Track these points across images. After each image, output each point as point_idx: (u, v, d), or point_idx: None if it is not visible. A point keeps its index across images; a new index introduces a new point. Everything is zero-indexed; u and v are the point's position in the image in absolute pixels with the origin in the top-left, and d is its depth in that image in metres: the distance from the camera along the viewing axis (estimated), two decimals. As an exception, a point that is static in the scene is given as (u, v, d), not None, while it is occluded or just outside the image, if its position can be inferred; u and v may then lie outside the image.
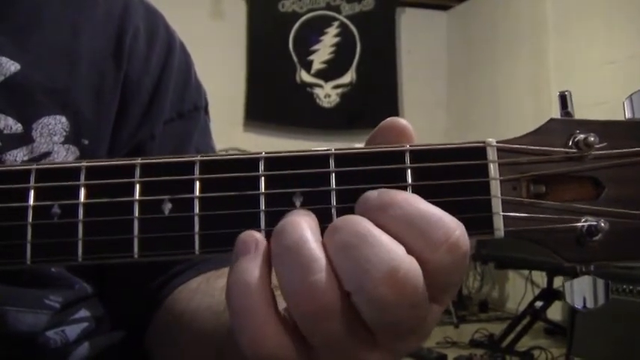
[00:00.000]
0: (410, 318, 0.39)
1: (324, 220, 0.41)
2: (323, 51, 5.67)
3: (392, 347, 0.41)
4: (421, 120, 5.48)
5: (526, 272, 4.61)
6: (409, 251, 0.38)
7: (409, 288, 0.38)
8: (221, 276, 0.70)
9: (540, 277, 4.36)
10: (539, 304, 3.92)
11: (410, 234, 0.39)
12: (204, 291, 0.69)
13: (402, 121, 0.44)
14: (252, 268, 0.40)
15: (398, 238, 0.39)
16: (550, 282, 3.95)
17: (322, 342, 0.39)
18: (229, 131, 5.12)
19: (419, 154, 0.42)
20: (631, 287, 2.85)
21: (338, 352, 0.40)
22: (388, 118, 0.44)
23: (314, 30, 5.66)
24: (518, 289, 4.71)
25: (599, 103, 3.34)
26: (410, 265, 0.38)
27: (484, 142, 0.43)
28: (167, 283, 0.73)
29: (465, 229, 0.39)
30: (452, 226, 0.39)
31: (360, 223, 0.39)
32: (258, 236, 0.41)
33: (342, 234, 0.39)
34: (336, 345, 0.39)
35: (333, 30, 5.71)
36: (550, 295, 3.91)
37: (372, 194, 0.41)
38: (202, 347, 0.64)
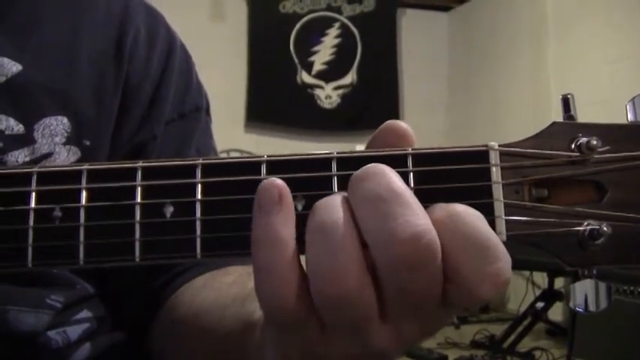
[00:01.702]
0: (421, 289, 0.39)
1: None
2: (324, 52, 5.67)
3: (400, 324, 0.41)
4: (422, 121, 5.49)
5: (527, 273, 4.60)
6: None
7: (429, 257, 0.38)
8: (227, 274, 0.70)
9: (541, 278, 4.35)
10: (540, 304, 3.91)
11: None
12: (211, 286, 0.69)
13: (402, 124, 0.44)
14: (277, 225, 0.40)
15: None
16: (551, 283, 3.95)
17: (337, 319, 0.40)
18: (230, 132, 5.12)
19: (421, 158, 0.42)
20: (632, 288, 2.85)
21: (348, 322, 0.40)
22: (388, 121, 0.44)
23: (315, 31, 5.66)
24: (520, 290, 4.71)
25: (598, 101, 3.34)
26: (433, 236, 0.38)
27: (486, 146, 0.43)
28: (170, 282, 0.73)
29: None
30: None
31: (395, 180, 0.39)
32: (281, 185, 0.40)
33: (372, 184, 0.39)
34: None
35: (334, 31, 5.71)
36: (551, 296, 3.90)
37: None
38: (208, 341, 0.63)
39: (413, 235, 0.37)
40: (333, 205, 0.39)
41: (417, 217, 0.38)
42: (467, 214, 0.39)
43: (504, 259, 0.39)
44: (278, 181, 0.40)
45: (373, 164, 0.40)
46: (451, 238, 0.39)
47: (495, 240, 0.39)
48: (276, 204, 0.40)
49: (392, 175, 0.39)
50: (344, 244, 0.38)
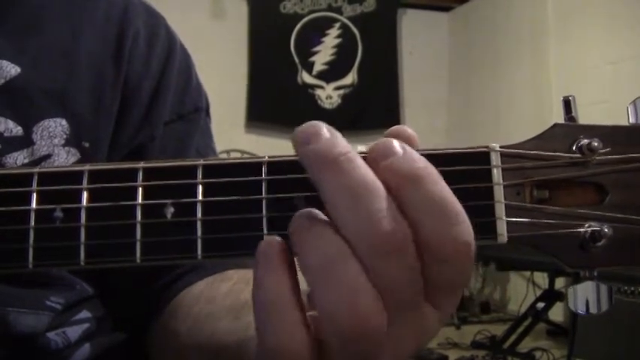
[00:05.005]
0: (400, 277, 0.38)
1: None
2: (324, 52, 5.67)
3: (393, 332, 0.39)
4: (422, 121, 5.49)
5: (527, 273, 4.61)
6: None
7: (403, 245, 0.37)
8: (225, 280, 0.70)
9: (542, 279, 4.36)
10: (540, 305, 3.92)
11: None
12: (207, 297, 0.69)
13: (407, 129, 0.43)
14: (277, 285, 0.39)
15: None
16: (552, 283, 3.96)
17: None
18: (231, 132, 5.13)
19: (422, 159, 0.42)
20: (632, 288, 2.85)
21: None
22: (393, 127, 0.44)
23: (315, 31, 5.66)
24: (520, 291, 4.71)
25: (600, 102, 3.34)
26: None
27: (487, 147, 0.43)
28: (171, 285, 0.73)
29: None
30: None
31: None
32: (278, 244, 0.39)
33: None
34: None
35: (334, 31, 5.71)
36: (552, 296, 3.91)
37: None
38: (203, 354, 0.63)
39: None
40: (322, 237, 0.38)
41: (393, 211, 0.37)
42: (430, 177, 0.38)
43: (464, 221, 0.38)
44: (277, 240, 0.39)
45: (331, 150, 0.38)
46: (414, 204, 0.38)
47: (455, 202, 0.38)
48: (272, 262, 0.39)
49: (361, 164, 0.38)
50: (354, 281, 0.37)
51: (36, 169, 0.43)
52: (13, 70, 0.67)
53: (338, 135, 0.39)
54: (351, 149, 0.39)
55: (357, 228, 0.37)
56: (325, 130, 0.39)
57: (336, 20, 5.72)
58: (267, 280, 0.39)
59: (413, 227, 0.38)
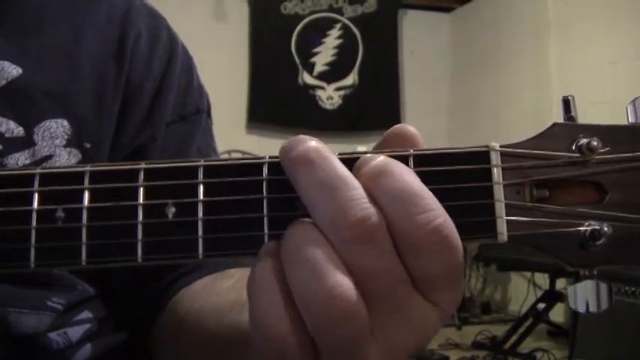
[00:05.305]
0: (377, 265, 0.39)
1: None
2: (325, 53, 5.67)
3: (386, 330, 0.40)
4: (423, 122, 5.48)
5: (528, 274, 4.61)
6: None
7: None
8: (227, 277, 0.70)
9: (543, 279, 4.36)
10: (541, 305, 3.91)
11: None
12: (210, 291, 0.69)
13: (410, 128, 0.44)
14: (263, 269, 0.40)
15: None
16: (552, 284, 3.95)
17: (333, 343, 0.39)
18: (232, 133, 5.13)
19: (422, 159, 0.42)
20: (633, 289, 2.85)
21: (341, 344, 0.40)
22: (396, 125, 0.44)
23: (316, 32, 5.66)
24: (521, 291, 4.71)
25: (601, 102, 3.33)
26: (380, 217, 0.39)
27: (487, 147, 0.43)
28: (172, 284, 0.73)
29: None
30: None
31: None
32: (270, 244, 0.41)
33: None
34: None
35: (335, 32, 5.71)
36: (552, 296, 3.91)
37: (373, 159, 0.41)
38: (205, 348, 0.63)
39: (362, 217, 0.38)
40: (299, 228, 0.40)
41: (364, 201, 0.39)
42: (397, 170, 0.40)
43: (432, 210, 0.39)
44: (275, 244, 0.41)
45: (303, 147, 0.41)
46: (380, 195, 0.39)
47: (423, 190, 0.40)
48: (261, 256, 0.41)
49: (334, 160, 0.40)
50: (324, 262, 0.38)
51: (38, 170, 0.43)
52: (14, 71, 0.67)
53: (319, 142, 0.41)
54: (326, 149, 0.41)
55: (331, 220, 0.39)
56: (308, 139, 0.41)
57: (336, 21, 5.72)
58: (256, 267, 0.40)
59: (385, 217, 0.39)
